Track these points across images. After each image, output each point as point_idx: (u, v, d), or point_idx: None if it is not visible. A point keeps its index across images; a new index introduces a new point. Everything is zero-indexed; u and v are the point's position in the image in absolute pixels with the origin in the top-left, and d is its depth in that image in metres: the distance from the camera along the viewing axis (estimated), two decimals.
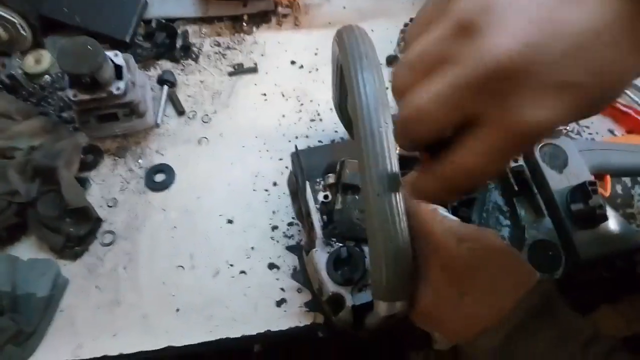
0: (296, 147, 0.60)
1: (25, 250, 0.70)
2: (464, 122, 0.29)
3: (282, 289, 0.68)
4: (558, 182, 0.54)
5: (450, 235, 0.42)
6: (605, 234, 0.53)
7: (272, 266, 0.69)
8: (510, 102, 0.27)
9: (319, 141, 0.79)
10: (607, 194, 0.65)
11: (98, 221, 0.72)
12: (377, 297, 0.39)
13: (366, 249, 0.52)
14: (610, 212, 0.54)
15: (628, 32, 0.26)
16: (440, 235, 0.42)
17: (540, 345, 0.38)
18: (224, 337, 0.65)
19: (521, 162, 0.57)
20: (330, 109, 0.81)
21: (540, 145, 0.56)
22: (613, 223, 0.54)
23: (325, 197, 0.55)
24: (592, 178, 0.54)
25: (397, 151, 0.54)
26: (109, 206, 0.74)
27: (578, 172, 0.55)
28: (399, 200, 0.38)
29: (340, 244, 0.53)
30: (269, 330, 0.65)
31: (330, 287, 0.50)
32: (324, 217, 0.55)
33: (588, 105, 0.28)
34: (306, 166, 0.58)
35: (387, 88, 0.41)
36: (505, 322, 0.39)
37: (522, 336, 0.39)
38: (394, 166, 0.39)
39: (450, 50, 0.28)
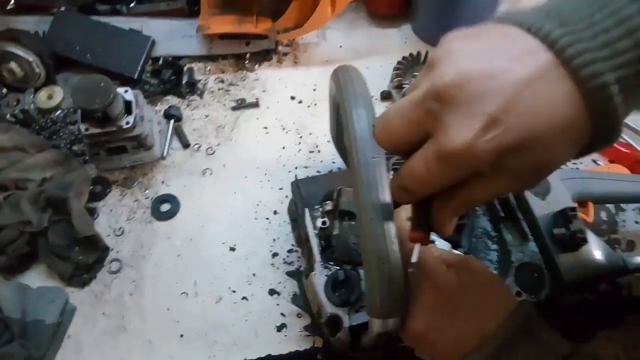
0: (296, 176, 0.64)
1: (35, 278, 0.73)
2: (422, 133, 0.34)
3: (283, 314, 0.70)
4: (541, 208, 0.58)
5: (439, 262, 0.47)
6: (586, 257, 0.56)
7: (272, 292, 0.72)
8: (445, 122, 0.32)
9: (318, 171, 0.82)
10: (590, 219, 0.69)
11: (106, 250, 0.75)
12: (371, 315, 0.42)
13: (362, 271, 0.55)
14: (591, 237, 0.57)
15: (557, 91, 0.30)
16: (431, 262, 0.47)
17: None
18: None
19: None
20: (328, 141, 0.85)
21: None
22: (594, 247, 0.57)
23: (324, 223, 0.58)
24: (573, 204, 0.58)
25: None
26: (116, 235, 0.77)
27: (560, 199, 0.59)
28: (391, 224, 0.42)
29: (338, 267, 0.56)
30: (269, 355, 0.67)
31: (329, 308, 0.53)
32: (322, 242, 0.59)
33: (512, 145, 0.30)
34: (305, 194, 0.61)
35: None
36: (491, 341, 0.42)
37: (506, 354, 0.41)
38: (386, 194, 0.42)
39: (417, 82, 0.35)
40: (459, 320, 0.44)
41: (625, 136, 0.85)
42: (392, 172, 0.59)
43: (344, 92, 0.47)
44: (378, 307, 0.42)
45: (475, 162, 0.31)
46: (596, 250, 0.58)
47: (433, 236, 0.49)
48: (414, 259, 0.44)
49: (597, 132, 0.32)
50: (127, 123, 0.75)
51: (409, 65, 0.92)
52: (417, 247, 0.44)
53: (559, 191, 0.60)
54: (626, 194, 0.68)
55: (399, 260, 0.41)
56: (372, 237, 0.41)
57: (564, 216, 0.56)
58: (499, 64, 0.31)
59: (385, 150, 0.39)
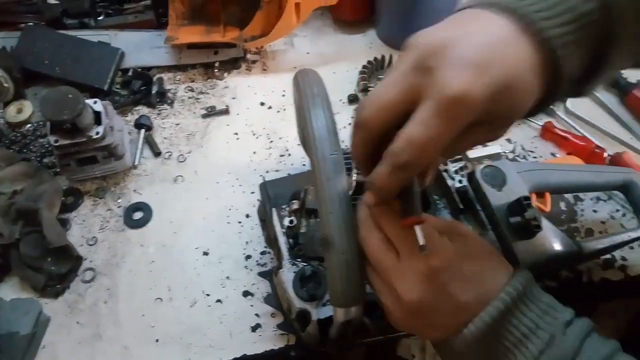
0: (264, 177, 0.66)
1: (8, 290, 0.73)
2: (411, 101, 0.36)
3: (257, 315, 0.71)
4: (498, 199, 0.61)
5: (431, 229, 0.44)
6: (541, 243, 0.59)
7: (246, 293, 0.73)
8: (438, 75, 0.34)
9: (288, 174, 0.84)
10: (548, 209, 0.72)
11: (79, 259, 0.76)
12: (334, 304, 0.44)
13: None
14: (546, 224, 0.60)
15: (514, 45, 0.36)
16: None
17: (524, 325, 0.41)
18: None
19: (465, 183, 0.63)
20: (298, 144, 0.87)
21: (481, 167, 0.63)
22: (549, 233, 0.60)
23: (291, 221, 0.60)
24: (527, 194, 0.61)
25: (355, 177, 0.60)
26: (89, 244, 0.78)
27: (516, 189, 0.62)
28: (349, 216, 0.44)
29: (305, 264, 0.58)
30: (245, 355, 0.68)
31: (297, 303, 0.55)
32: (290, 240, 0.60)
33: (498, 88, 0.35)
34: (273, 195, 0.63)
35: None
36: (494, 305, 0.41)
37: (510, 318, 0.41)
38: (344, 187, 0.44)
39: (396, 64, 0.38)
40: (456, 287, 0.42)
41: (581, 129, 0.89)
42: (355, 170, 0.62)
43: (302, 94, 0.49)
44: (339, 296, 0.44)
45: (473, 107, 0.34)
46: (551, 236, 0.61)
47: None
48: (421, 241, 0.40)
49: (548, 84, 0.38)
50: (97, 133, 0.76)
51: (373, 69, 0.95)
52: (419, 231, 0.41)
53: (514, 182, 0.63)
54: (581, 183, 0.72)
55: (357, 250, 0.43)
56: (330, 230, 0.43)
57: (519, 205, 0.59)
58: (472, 29, 0.36)
59: (372, 129, 0.39)
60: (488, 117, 0.36)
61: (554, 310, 0.42)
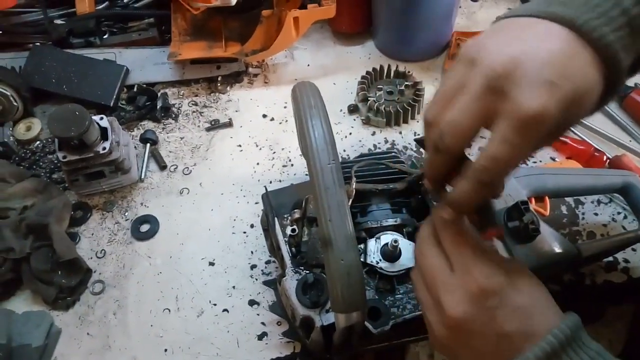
0: (266, 188, 0.67)
1: (21, 303, 0.75)
2: (487, 121, 0.38)
3: (263, 323, 0.73)
4: (496, 204, 0.62)
5: (493, 256, 0.44)
6: (540, 246, 0.60)
7: (252, 302, 0.75)
8: (512, 95, 0.36)
9: (292, 184, 0.86)
10: (547, 213, 0.73)
11: (88, 272, 0.77)
12: (335, 310, 0.45)
13: None
14: (544, 228, 0.61)
15: (576, 58, 0.38)
16: (483, 252, 0.43)
17: None
18: None
19: None
20: (300, 155, 0.88)
21: None
22: (548, 237, 0.61)
23: (293, 230, 0.61)
24: (525, 199, 0.62)
25: (354, 186, 0.62)
26: (98, 257, 0.80)
27: (513, 194, 0.63)
28: (348, 224, 0.45)
29: (307, 272, 0.59)
30: None
31: (301, 310, 0.56)
32: (293, 248, 0.62)
33: (570, 100, 0.37)
34: (275, 204, 0.65)
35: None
36: (541, 345, 0.39)
37: None
38: (342, 195, 0.46)
39: (461, 80, 0.39)
40: (502, 315, 0.41)
41: (580, 133, 0.90)
42: (354, 179, 0.63)
43: (300, 106, 0.51)
44: (340, 302, 0.45)
45: (550, 122, 0.36)
46: (550, 240, 0.61)
47: None
48: (505, 254, 0.41)
49: (608, 85, 0.40)
50: (104, 148, 0.78)
51: (372, 79, 0.97)
52: (499, 244, 0.43)
53: (512, 187, 0.64)
54: (579, 187, 0.73)
55: (357, 256, 0.44)
56: (329, 237, 0.44)
57: (517, 210, 0.60)
58: (535, 43, 0.37)
59: (454, 153, 0.41)
60: (557, 127, 0.38)
61: (602, 359, 0.39)
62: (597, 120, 0.92)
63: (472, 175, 0.39)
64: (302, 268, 0.60)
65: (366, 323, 0.54)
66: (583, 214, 0.82)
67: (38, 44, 1.01)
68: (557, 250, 0.61)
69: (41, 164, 0.90)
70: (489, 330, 0.41)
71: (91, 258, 0.79)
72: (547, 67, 0.36)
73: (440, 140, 0.40)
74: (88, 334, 0.73)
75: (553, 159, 0.88)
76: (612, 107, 0.94)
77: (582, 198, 0.83)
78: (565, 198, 0.82)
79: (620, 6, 0.39)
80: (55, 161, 0.89)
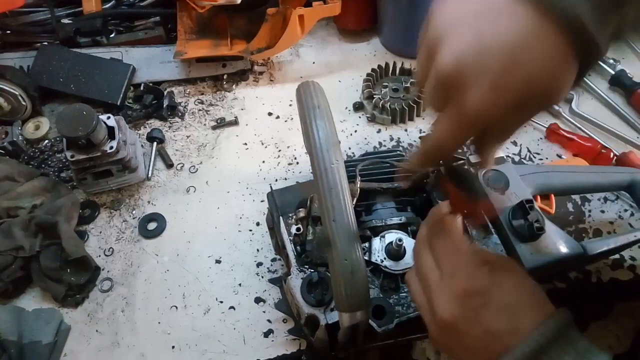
0: (271, 186, 0.67)
1: (30, 300, 0.76)
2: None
3: (269, 321, 0.73)
4: (501, 202, 0.62)
5: (476, 256, 0.45)
6: (545, 245, 0.60)
7: (258, 300, 0.75)
8: (458, 95, 0.38)
9: (297, 182, 0.86)
10: (553, 211, 0.73)
11: (97, 270, 0.78)
12: (339, 309, 0.46)
13: None
14: (549, 226, 0.61)
15: (545, 46, 0.36)
16: (467, 255, 0.45)
17: None
18: None
19: None
20: (305, 153, 0.89)
21: (483, 171, 0.64)
22: (552, 235, 0.61)
23: (298, 229, 0.62)
24: (530, 197, 0.62)
25: (358, 185, 0.62)
26: (106, 255, 0.81)
27: (518, 192, 0.63)
28: (351, 224, 0.45)
29: (312, 270, 0.59)
30: None
31: (306, 309, 0.56)
32: (298, 247, 0.62)
33: (518, 95, 0.37)
34: (280, 203, 0.65)
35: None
36: (528, 341, 0.40)
37: (544, 357, 0.39)
38: (346, 195, 0.46)
39: (422, 65, 0.42)
40: (488, 314, 0.42)
41: (587, 130, 0.89)
42: (359, 178, 0.63)
43: (304, 106, 0.51)
44: (344, 301, 0.45)
45: (492, 116, 0.38)
46: (555, 238, 0.61)
47: None
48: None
49: (582, 53, 0.38)
50: (111, 147, 0.79)
51: (378, 77, 0.97)
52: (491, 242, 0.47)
53: (517, 186, 0.64)
54: (585, 184, 0.73)
55: (360, 256, 0.45)
56: (333, 236, 0.44)
57: (522, 208, 0.60)
58: (486, 31, 0.37)
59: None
60: (527, 101, 0.38)
61: (590, 355, 0.40)
62: (604, 117, 0.91)
63: (422, 151, 0.45)
64: (307, 267, 0.60)
65: (370, 321, 0.54)
66: (589, 211, 0.81)
67: (45, 43, 1.02)
68: (563, 249, 0.61)
69: (50, 162, 0.91)
70: (477, 329, 0.42)
71: (99, 256, 0.80)
72: (494, 65, 0.36)
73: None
74: (97, 331, 0.74)
75: (559, 156, 0.87)
76: (619, 104, 0.93)
77: (588, 195, 0.83)
78: (572, 195, 0.82)
79: None
80: (64, 160, 0.90)
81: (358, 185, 0.62)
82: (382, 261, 0.61)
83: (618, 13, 0.38)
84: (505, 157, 0.68)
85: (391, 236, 0.62)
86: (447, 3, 0.40)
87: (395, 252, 0.60)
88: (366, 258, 0.60)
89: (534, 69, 0.36)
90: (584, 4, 0.36)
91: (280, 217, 0.63)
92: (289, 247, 0.61)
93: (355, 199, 0.62)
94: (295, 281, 0.58)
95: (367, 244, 0.62)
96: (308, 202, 0.64)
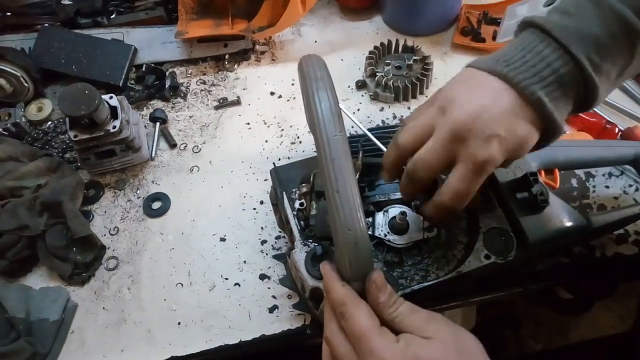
0: (274, 163, 0.67)
1: (37, 279, 0.77)
2: (449, 164, 0.50)
3: (274, 297, 0.74)
4: (505, 176, 0.62)
5: (383, 329, 0.44)
6: (549, 217, 0.60)
7: (263, 277, 0.76)
8: (471, 146, 0.48)
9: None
10: (557, 186, 0.73)
11: (102, 248, 0.79)
12: (343, 279, 0.46)
13: None
14: (553, 199, 0.61)
15: (519, 114, 0.49)
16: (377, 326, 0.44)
17: None
18: (222, 344, 0.70)
19: None
20: (308, 131, 0.89)
21: None
22: (556, 208, 0.61)
23: (301, 204, 0.62)
24: (534, 170, 0.62)
25: (360, 160, 0.62)
26: (111, 234, 0.81)
27: (522, 166, 0.63)
28: (355, 194, 0.45)
29: (316, 244, 0.59)
30: (263, 335, 0.71)
31: (310, 282, 0.57)
32: (301, 222, 0.62)
33: (512, 149, 0.49)
34: (283, 179, 0.65)
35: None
36: None
37: None
38: (350, 168, 0.46)
39: (431, 123, 0.51)
40: None
41: None
42: (361, 153, 0.63)
43: (306, 78, 0.51)
44: (348, 271, 0.45)
45: (495, 164, 0.49)
46: (559, 211, 0.61)
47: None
48: None
49: (544, 130, 0.50)
50: (114, 127, 0.79)
51: (380, 54, 0.96)
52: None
53: (521, 160, 0.63)
54: (590, 159, 0.72)
55: (364, 226, 0.45)
56: (337, 208, 0.44)
57: (526, 181, 0.60)
58: (487, 102, 0.48)
59: (424, 184, 0.53)
60: (503, 163, 0.51)
61: None
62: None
63: (437, 204, 0.52)
64: (311, 241, 0.60)
65: None
66: (594, 186, 0.81)
67: (46, 25, 1.01)
68: (567, 222, 0.61)
69: (53, 144, 0.91)
70: None
71: (105, 235, 0.81)
72: (497, 123, 0.48)
73: (414, 173, 0.52)
74: (104, 308, 0.74)
75: (564, 132, 0.87)
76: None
77: (592, 171, 0.82)
78: (576, 171, 0.81)
79: (551, 67, 0.48)
80: (67, 141, 0.90)
81: (360, 161, 0.62)
82: (385, 235, 0.61)
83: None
84: None
85: (394, 210, 0.62)
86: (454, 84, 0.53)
87: (398, 226, 0.60)
88: (370, 233, 0.60)
89: (521, 132, 0.49)
90: (544, 89, 0.48)
91: (284, 193, 0.63)
92: (293, 222, 0.61)
93: (358, 174, 0.62)
94: (299, 255, 0.59)
95: (370, 219, 0.62)
96: (311, 177, 0.64)
